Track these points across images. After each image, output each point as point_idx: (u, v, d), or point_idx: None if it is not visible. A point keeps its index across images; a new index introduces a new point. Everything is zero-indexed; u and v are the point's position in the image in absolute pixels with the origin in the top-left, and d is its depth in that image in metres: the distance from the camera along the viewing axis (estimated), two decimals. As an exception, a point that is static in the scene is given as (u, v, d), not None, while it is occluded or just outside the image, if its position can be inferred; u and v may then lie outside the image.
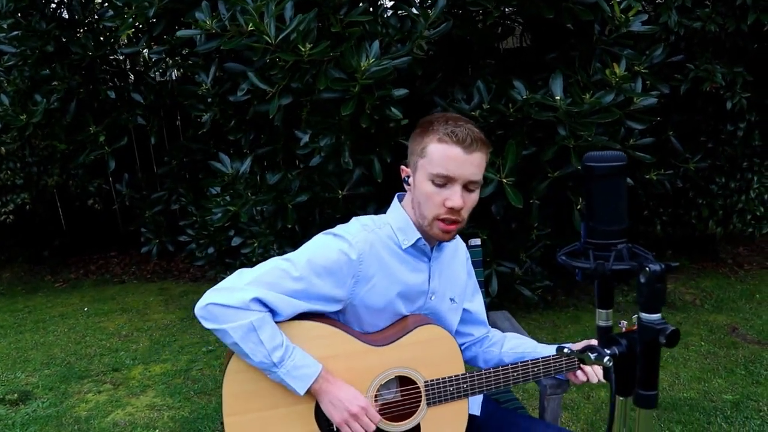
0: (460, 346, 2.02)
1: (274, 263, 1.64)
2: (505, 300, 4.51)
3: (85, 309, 5.08)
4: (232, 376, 1.66)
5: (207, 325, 1.60)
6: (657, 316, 0.96)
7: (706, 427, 3.15)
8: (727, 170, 4.60)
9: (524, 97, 3.22)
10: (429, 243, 1.76)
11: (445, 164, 1.60)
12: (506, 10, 3.59)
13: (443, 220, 1.64)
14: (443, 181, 1.61)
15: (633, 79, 3.26)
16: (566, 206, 3.60)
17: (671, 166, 4.24)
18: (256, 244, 3.93)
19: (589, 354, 0.99)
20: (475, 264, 2.50)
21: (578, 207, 3.50)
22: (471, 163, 1.62)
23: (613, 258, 0.99)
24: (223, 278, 1.65)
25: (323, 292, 1.65)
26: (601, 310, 1.05)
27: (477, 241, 2.51)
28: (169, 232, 5.33)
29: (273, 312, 1.62)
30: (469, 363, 2.07)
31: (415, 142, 1.69)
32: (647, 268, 0.94)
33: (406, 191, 1.77)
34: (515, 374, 1.80)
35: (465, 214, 1.66)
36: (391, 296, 1.73)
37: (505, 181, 3.24)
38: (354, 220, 1.76)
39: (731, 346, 3.97)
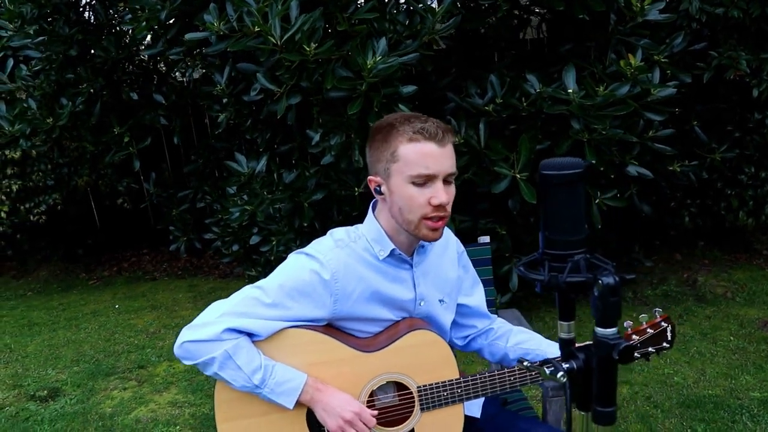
0: (465, 338, 2.01)
1: (246, 292, 1.65)
2: (528, 294, 4.45)
3: (116, 306, 5.20)
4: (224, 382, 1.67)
5: (185, 362, 1.63)
6: (612, 330, 0.93)
7: (731, 425, 3.06)
8: (756, 160, 4.45)
9: (537, 90, 3.17)
10: (408, 251, 1.72)
11: (424, 162, 1.56)
12: (520, 1, 3.53)
13: (431, 219, 1.59)
14: (424, 181, 1.57)
15: (650, 69, 3.17)
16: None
17: (696, 156, 4.13)
18: (275, 242, 3.96)
19: (545, 368, 0.96)
20: (483, 262, 2.47)
21: (596, 201, 3.44)
22: (447, 156, 1.59)
23: (567, 270, 0.96)
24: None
25: (302, 315, 1.65)
26: (562, 322, 1.02)
27: (486, 239, 2.47)
28: (196, 230, 5.41)
29: (251, 335, 1.63)
30: (477, 354, 2.05)
31: (379, 149, 1.63)
32: (600, 281, 0.91)
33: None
34: (512, 378, 1.77)
35: (449, 207, 1.62)
36: (377, 308, 1.72)
37: (518, 176, 3.20)
38: (328, 234, 1.74)
39: (762, 341, 3.85)
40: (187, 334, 1.62)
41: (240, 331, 1.61)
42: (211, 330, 1.59)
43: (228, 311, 1.62)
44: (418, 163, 1.56)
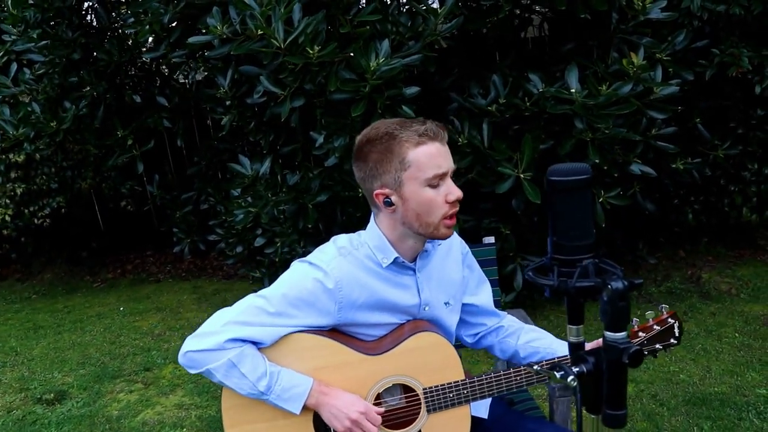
0: (475, 335, 2.01)
1: (250, 301, 1.66)
2: (533, 293, 4.45)
3: (121, 308, 5.21)
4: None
5: (191, 371, 1.64)
6: (622, 335, 0.94)
7: (737, 423, 3.06)
8: (759, 156, 4.45)
9: (540, 90, 3.17)
10: (411, 257, 1.73)
11: (436, 163, 1.59)
12: (521, 0, 3.53)
13: (448, 216, 1.63)
14: (438, 181, 1.60)
15: (653, 67, 3.18)
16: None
17: (699, 154, 4.13)
18: (279, 244, 3.96)
19: (555, 373, 0.97)
20: (488, 262, 2.48)
21: (600, 199, 3.44)
22: (449, 153, 1.64)
23: (577, 275, 0.96)
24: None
25: (306, 323, 1.66)
26: (571, 326, 1.03)
27: (490, 239, 2.49)
28: (199, 232, 5.42)
29: (255, 343, 1.64)
30: (488, 351, 2.06)
31: (383, 161, 1.59)
32: (609, 286, 0.91)
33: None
34: (518, 378, 1.78)
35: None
36: (381, 314, 1.73)
37: (522, 176, 3.20)
38: (331, 242, 1.74)
39: (767, 337, 3.85)
40: (190, 343, 1.63)
41: (244, 340, 1.62)
42: (214, 339, 1.61)
43: (232, 320, 1.63)
44: (430, 165, 1.58)
